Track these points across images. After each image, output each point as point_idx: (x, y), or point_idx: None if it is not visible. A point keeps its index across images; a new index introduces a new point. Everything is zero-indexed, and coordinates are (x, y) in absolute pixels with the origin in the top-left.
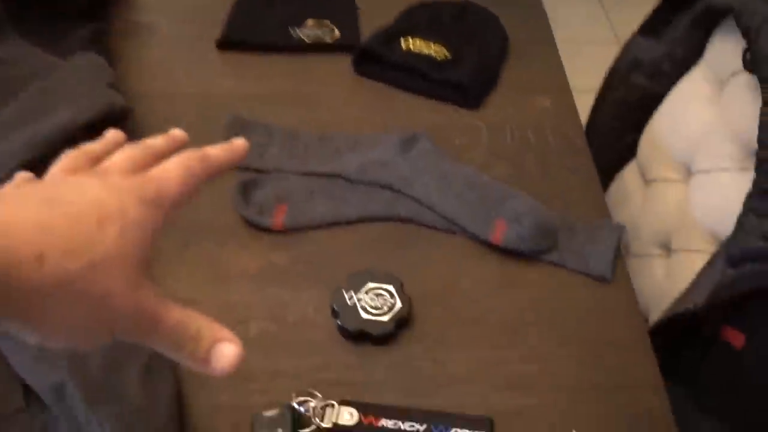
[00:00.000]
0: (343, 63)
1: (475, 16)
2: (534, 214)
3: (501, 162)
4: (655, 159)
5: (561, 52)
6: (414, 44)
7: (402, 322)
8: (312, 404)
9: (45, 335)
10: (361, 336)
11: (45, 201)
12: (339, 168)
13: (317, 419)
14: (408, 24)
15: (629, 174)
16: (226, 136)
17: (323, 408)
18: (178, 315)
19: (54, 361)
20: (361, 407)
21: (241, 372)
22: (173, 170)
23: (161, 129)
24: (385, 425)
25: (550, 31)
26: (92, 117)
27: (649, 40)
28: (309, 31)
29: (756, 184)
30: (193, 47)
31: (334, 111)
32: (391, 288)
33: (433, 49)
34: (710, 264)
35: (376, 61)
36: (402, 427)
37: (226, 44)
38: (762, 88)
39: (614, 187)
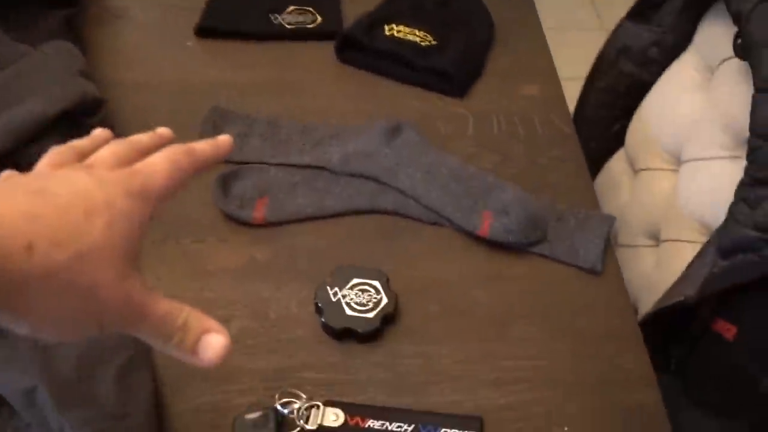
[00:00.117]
0: (326, 50)
1: (460, 3)
2: (522, 206)
3: (488, 151)
4: (643, 148)
5: (548, 40)
6: (398, 31)
7: (388, 318)
8: (296, 405)
9: (33, 326)
10: (347, 333)
11: (33, 192)
12: (322, 159)
13: (302, 421)
14: (391, 10)
15: (617, 163)
16: (204, 127)
17: (308, 409)
18: (166, 306)
19: (24, 365)
20: (347, 408)
21: (221, 372)
22: (159, 164)
23: (137, 119)
24: (372, 426)
25: (537, 18)
26: (64, 107)
27: (637, 26)
28: (290, 17)
29: (748, 172)
30: (170, 34)
31: (317, 99)
32: (376, 284)
33: (418, 36)
34: (701, 255)
35: (359, 48)
36: (389, 428)
37: (205, 31)
38: (753, 74)
39: (602, 176)
